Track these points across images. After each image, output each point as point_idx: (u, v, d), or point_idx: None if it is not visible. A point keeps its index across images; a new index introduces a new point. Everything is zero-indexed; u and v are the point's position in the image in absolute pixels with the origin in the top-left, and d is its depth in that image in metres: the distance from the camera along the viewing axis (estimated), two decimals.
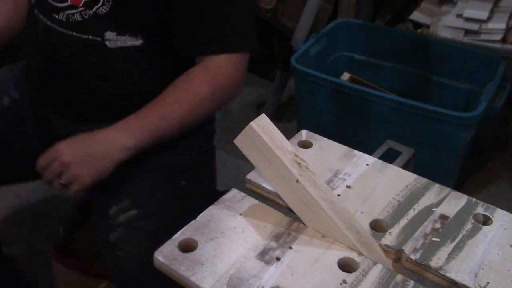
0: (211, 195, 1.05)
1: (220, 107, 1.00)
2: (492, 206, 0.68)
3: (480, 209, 0.67)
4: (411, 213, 0.67)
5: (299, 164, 0.64)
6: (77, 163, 0.88)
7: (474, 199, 0.69)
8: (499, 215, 0.66)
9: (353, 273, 0.59)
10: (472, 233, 0.64)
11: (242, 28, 0.97)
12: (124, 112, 0.93)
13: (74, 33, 0.94)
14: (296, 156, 0.65)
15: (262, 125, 0.65)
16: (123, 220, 0.93)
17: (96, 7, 0.93)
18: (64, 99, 1.02)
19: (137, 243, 0.92)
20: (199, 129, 1.02)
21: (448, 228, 0.64)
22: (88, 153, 0.89)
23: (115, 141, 0.90)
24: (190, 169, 1.03)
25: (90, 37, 0.94)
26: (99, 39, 0.93)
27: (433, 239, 0.63)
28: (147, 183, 0.97)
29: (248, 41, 0.98)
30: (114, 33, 0.93)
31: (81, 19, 0.94)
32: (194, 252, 0.60)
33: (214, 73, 0.94)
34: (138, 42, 0.94)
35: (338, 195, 0.69)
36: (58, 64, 0.99)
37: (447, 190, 0.70)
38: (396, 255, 0.62)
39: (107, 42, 0.94)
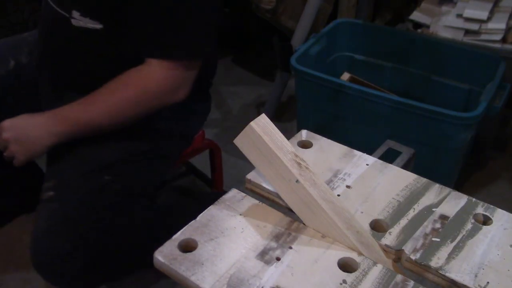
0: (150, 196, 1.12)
1: (152, 112, 1.03)
2: (492, 206, 0.68)
3: (480, 209, 0.67)
4: (411, 213, 0.67)
5: (299, 164, 0.64)
6: (14, 142, 1.00)
7: (474, 199, 0.69)
8: (499, 215, 0.66)
9: (353, 273, 0.59)
10: (472, 233, 0.64)
11: (185, 38, 0.98)
12: (90, 88, 1.00)
13: (54, 6, 1.04)
14: (296, 156, 0.65)
15: (262, 125, 0.65)
16: (44, 197, 1.02)
17: None
18: (47, 66, 1.12)
19: (43, 222, 1.00)
20: (140, 127, 1.06)
21: (448, 228, 0.64)
22: (24, 135, 0.99)
23: (45, 127, 0.99)
24: (118, 166, 1.06)
25: (62, 11, 1.02)
26: (68, 15, 1.01)
27: (433, 239, 0.63)
28: (71, 170, 1.04)
29: (190, 52, 1.00)
30: (79, 13, 1.00)
31: None
32: (194, 252, 0.60)
33: (143, 76, 0.99)
34: (98, 26, 1.00)
35: (338, 195, 0.69)
36: (45, 32, 1.10)
37: (447, 190, 0.70)
38: (396, 255, 0.62)
39: (72, 20, 1.01)
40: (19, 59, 1.20)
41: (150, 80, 0.99)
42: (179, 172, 1.66)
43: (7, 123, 1.00)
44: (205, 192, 1.61)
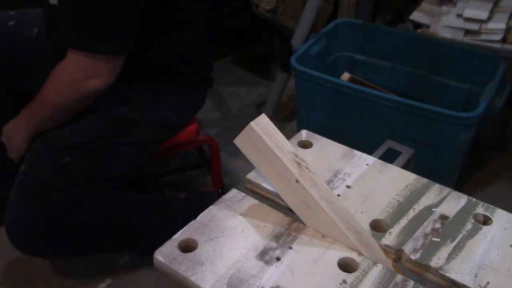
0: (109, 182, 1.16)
1: (79, 101, 1.08)
2: (492, 206, 0.68)
3: (480, 209, 0.67)
4: (411, 213, 0.67)
5: (299, 164, 0.64)
6: (7, 141, 1.18)
7: (474, 199, 0.69)
8: (499, 215, 0.66)
9: (353, 273, 0.59)
10: (472, 233, 0.64)
11: (95, 31, 1.00)
12: None
13: None
14: (296, 156, 0.65)
15: (262, 125, 0.65)
16: (20, 170, 1.12)
17: None
18: (48, 42, 1.22)
19: (13, 193, 1.10)
20: (109, 113, 1.13)
21: (448, 228, 0.64)
22: (12, 134, 1.15)
23: (17, 125, 1.14)
24: (79, 149, 1.11)
25: None
26: None
27: (433, 239, 0.63)
28: (40, 147, 1.13)
29: (100, 45, 1.01)
30: None
31: None
32: (194, 252, 0.60)
33: (59, 66, 1.05)
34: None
35: (338, 195, 0.70)
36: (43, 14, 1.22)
37: (447, 190, 0.70)
38: (396, 255, 0.62)
39: None
40: (42, 29, 1.26)
41: (63, 70, 1.04)
42: (194, 163, 1.66)
43: (6, 126, 1.16)
44: (194, 192, 1.60)
